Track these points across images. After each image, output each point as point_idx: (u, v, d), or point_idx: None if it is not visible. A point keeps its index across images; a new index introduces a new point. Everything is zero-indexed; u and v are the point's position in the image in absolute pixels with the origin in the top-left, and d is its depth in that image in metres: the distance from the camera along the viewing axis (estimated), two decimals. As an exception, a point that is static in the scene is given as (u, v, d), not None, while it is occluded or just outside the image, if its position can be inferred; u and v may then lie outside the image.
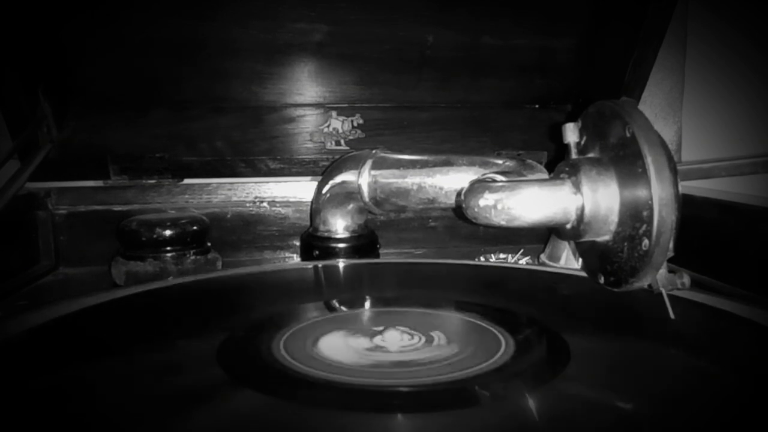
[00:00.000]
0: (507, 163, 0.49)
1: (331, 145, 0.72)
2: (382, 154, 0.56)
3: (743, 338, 0.36)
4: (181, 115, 0.69)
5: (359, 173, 0.56)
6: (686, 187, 0.62)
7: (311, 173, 0.72)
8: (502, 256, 0.67)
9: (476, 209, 0.38)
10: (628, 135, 0.35)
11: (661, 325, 0.36)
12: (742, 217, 0.55)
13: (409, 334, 0.36)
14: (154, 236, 0.57)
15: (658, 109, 0.85)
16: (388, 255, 0.71)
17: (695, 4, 0.82)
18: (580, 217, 0.37)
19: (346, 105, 0.73)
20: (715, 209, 0.57)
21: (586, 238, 0.38)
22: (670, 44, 0.79)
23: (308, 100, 0.72)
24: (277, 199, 0.71)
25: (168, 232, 0.57)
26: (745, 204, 0.55)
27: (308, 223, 0.66)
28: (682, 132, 0.86)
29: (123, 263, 0.57)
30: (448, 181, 0.51)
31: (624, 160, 0.36)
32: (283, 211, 0.71)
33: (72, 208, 0.67)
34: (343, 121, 0.73)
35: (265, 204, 0.71)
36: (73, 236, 0.67)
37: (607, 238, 0.38)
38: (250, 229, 0.71)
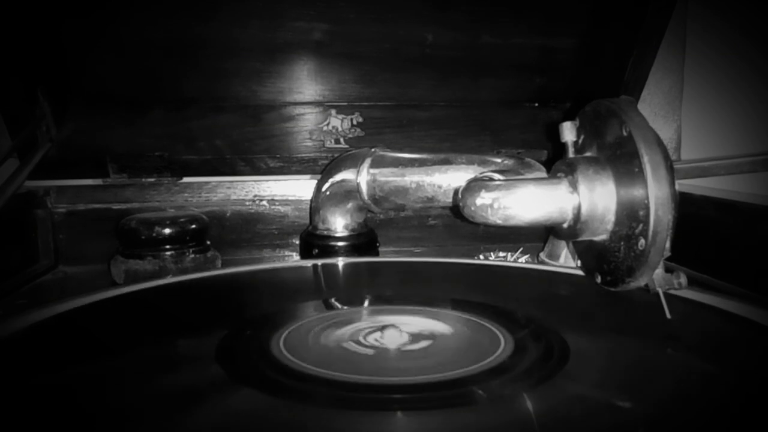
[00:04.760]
0: (506, 162, 0.49)
1: (330, 144, 0.72)
2: (381, 153, 0.57)
3: (742, 337, 0.36)
4: (181, 114, 0.69)
5: (358, 171, 0.56)
6: (685, 185, 0.63)
7: (311, 172, 0.73)
8: (501, 254, 0.67)
9: (473, 208, 0.38)
10: (624, 134, 0.35)
11: (661, 324, 0.36)
12: (741, 215, 0.55)
13: (409, 332, 0.36)
14: (154, 235, 0.57)
15: (658, 108, 0.85)
16: (387, 253, 0.71)
17: (695, 4, 0.82)
18: (577, 216, 0.37)
19: (345, 103, 0.73)
20: (714, 208, 0.57)
21: (583, 238, 0.38)
22: (670, 43, 0.79)
23: (308, 98, 0.72)
24: (276, 198, 0.71)
25: (167, 231, 0.57)
26: (744, 202, 0.55)
27: (308, 222, 0.67)
28: (681, 131, 0.86)
29: (122, 261, 0.57)
30: (447, 179, 0.51)
31: (621, 159, 0.36)
32: (282, 209, 0.71)
33: (71, 207, 0.68)
34: (342, 120, 0.73)
35: (264, 202, 0.71)
36: (73, 235, 0.67)
37: (604, 237, 0.38)
38: (249, 228, 0.71)
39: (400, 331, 0.36)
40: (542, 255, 0.62)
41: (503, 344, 0.35)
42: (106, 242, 0.63)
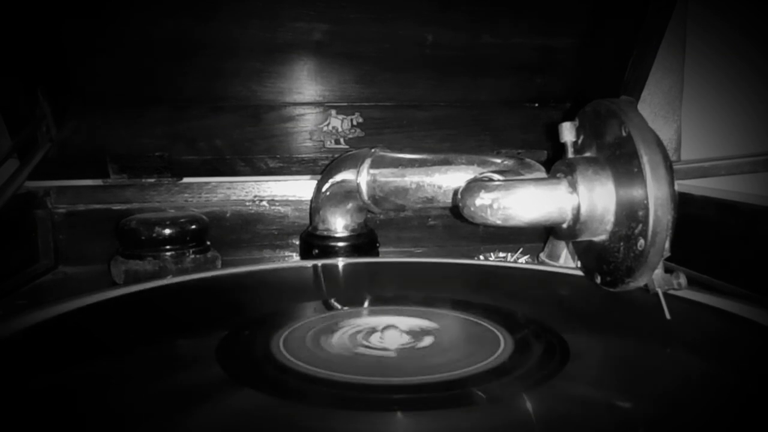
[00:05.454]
0: (505, 162, 0.49)
1: (330, 144, 0.73)
2: (381, 153, 0.57)
3: (742, 337, 0.36)
4: (181, 114, 0.69)
5: (358, 172, 0.56)
6: (685, 186, 0.63)
7: (311, 172, 0.73)
8: (501, 254, 0.67)
9: (472, 208, 0.38)
10: (624, 134, 0.35)
11: (661, 325, 0.36)
12: (742, 216, 0.55)
13: (409, 332, 0.36)
14: (154, 235, 0.57)
15: (658, 108, 0.85)
16: (387, 254, 0.71)
17: (695, 4, 0.82)
18: (576, 216, 0.37)
19: (345, 104, 0.73)
20: (715, 208, 0.57)
21: (583, 238, 0.38)
22: (670, 43, 0.79)
23: (308, 98, 0.72)
24: (276, 198, 0.71)
25: (167, 231, 0.57)
26: (745, 203, 0.55)
27: (308, 222, 0.67)
28: (681, 131, 0.86)
29: (122, 262, 0.57)
30: (447, 180, 0.51)
31: (620, 160, 0.36)
32: (282, 209, 0.71)
33: (71, 207, 0.68)
34: (342, 120, 0.73)
35: (264, 203, 0.71)
36: (73, 235, 0.67)
37: (603, 237, 0.38)
38: (249, 228, 0.71)
39: (400, 332, 0.36)
40: (542, 255, 0.62)
41: (503, 344, 0.35)
42: (106, 242, 0.63)
